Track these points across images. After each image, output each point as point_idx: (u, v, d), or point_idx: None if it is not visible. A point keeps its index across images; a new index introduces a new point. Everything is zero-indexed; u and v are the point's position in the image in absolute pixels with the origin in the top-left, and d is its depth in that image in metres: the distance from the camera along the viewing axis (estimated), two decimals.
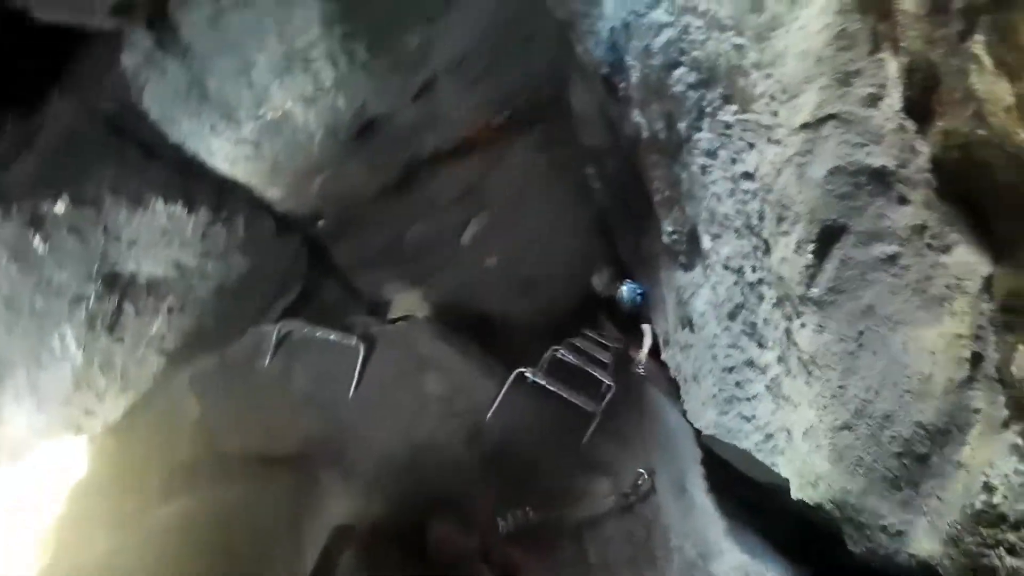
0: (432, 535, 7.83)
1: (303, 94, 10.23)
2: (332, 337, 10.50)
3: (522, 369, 9.38)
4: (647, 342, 12.14)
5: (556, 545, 7.78)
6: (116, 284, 9.77)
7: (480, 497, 8.18)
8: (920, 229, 5.10)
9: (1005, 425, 4.50)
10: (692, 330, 8.92)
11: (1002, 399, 4.54)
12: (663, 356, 10.99)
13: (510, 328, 13.41)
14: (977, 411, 4.80)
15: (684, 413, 9.66)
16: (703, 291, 8.42)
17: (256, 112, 10.13)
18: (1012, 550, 4.39)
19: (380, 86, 10.83)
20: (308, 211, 12.30)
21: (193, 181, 10.32)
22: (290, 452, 9.29)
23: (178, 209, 10.01)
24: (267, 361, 10.52)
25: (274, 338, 10.64)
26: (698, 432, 9.22)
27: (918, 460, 5.25)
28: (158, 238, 9.96)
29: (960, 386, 4.89)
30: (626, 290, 12.58)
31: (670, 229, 9.00)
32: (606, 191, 12.79)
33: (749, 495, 8.24)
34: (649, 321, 12.04)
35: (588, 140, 12.09)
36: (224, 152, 10.37)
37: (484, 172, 13.92)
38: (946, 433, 5.03)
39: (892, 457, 5.45)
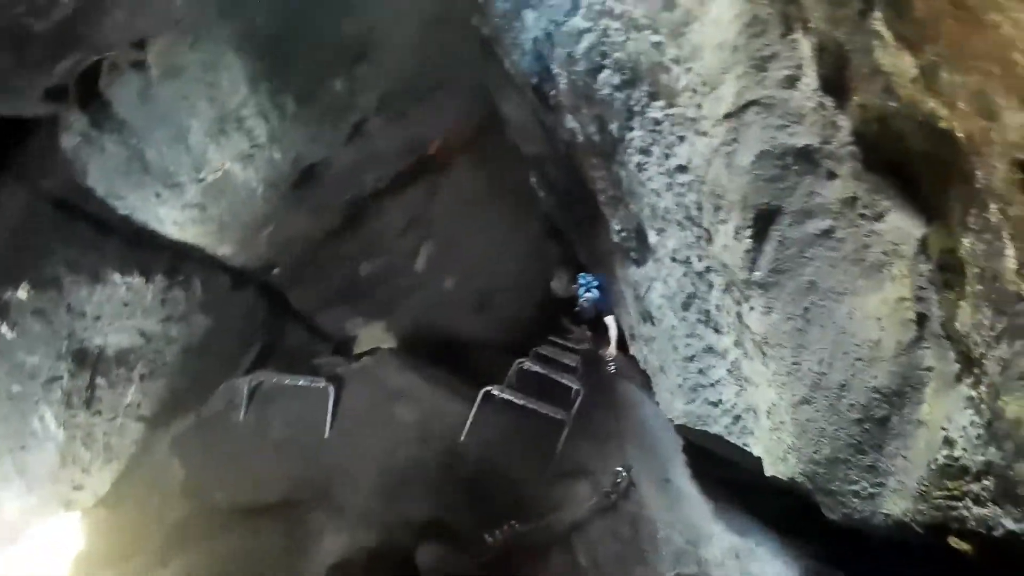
0: (423, 559, 7.91)
1: (240, 152, 10.33)
2: (301, 382, 10.58)
3: (489, 388, 9.45)
4: (612, 335, 12.21)
5: (546, 554, 7.86)
6: (86, 360, 9.83)
7: (465, 517, 8.27)
8: (851, 201, 5.22)
9: (957, 379, 4.61)
10: (653, 323, 8.98)
11: (951, 355, 4.66)
12: (631, 351, 11.06)
13: (476, 345, 13.49)
14: (929, 369, 4.92)
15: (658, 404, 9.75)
16: (657, 284, 8.48)
17: (197, 176, 10.18)
18: (978, 500, 4.50)
19: (313, 134, 10.94)
20: (261, 263, 12.36)
21: (146, 250, 10.37)
22: (276, 498, 9.38)
23: (135, 279, 10.07)
24: (242, 414, 10.59)
25: (246, 390, 10.71)
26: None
27: (879, 424, 5.36)
28: (120, 309, 10.02)
29: (909, 347, 5.02)
30: (583, 293, 12.63)
31: (618, 227, 9.06)
32: (552, 197, 12.82)
33: (733, 476, 8.30)
34: (612, 313, 12.07)
35: (528, 149, 12.11)
36: (172, 218, 10.39)
37: (428, 197, 14.01)
38: (902, 394, 5.14)
39: (853, 424, 5.54)
